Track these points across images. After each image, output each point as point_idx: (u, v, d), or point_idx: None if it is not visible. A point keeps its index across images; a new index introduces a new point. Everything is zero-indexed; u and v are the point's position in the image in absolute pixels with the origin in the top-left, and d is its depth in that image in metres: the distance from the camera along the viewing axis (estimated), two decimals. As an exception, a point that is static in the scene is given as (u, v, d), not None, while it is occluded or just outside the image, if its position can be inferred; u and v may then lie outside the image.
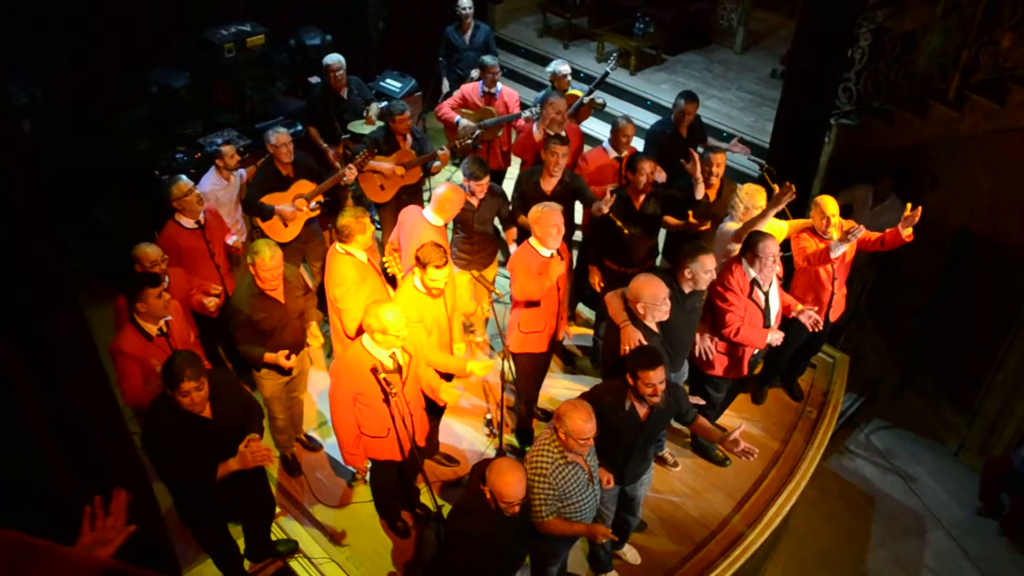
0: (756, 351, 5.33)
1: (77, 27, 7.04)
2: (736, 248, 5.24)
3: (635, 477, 4.61)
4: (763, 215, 5.27)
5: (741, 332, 5.02)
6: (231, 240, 5.94)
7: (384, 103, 7.03)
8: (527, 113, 6.88)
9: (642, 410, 4.21)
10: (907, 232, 5.26)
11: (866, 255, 7.26)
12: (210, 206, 5.91)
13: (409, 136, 6.63)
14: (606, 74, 7.35)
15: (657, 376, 4.02)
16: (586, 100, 7.28)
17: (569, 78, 7.30)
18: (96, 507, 2.52)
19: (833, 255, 5.28)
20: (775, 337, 5.11)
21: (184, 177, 5.57)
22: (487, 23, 9.10)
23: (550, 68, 7.35)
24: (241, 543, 4.96)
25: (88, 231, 7.12)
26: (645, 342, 4.45)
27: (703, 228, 5.73)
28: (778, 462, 5.75)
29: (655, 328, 4.61)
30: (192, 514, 4.49)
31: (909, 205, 5.23)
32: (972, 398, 7.32)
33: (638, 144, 6.74)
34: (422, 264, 4.70)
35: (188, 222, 5.52)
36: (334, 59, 7.06)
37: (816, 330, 5.23)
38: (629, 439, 4.30)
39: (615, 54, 7.95)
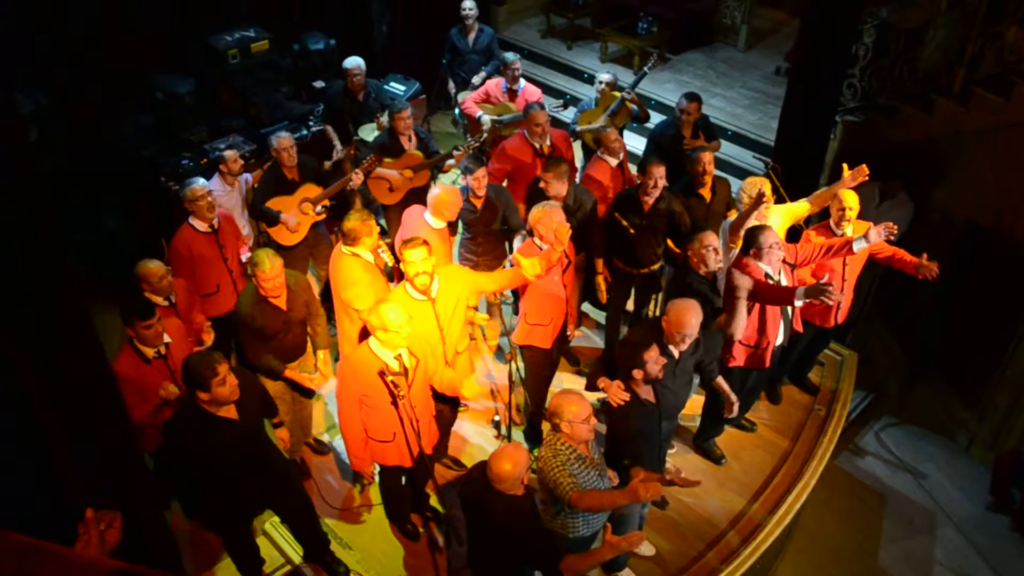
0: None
1: (81, 34, 7.07)
2: (736, 245, 5.24)
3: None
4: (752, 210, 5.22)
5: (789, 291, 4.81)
6: (244, 257, 5.91)
7: None
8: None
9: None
10: (921, 273, 5.17)
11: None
12: (226, 211, 5.93)
13: (413, 137, 6.64)
14: (644, 74, 7.24)
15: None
16: (627, 98, 7.04)
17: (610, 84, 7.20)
18: (89, 523, 2.40)
19: (855, 248, 4.95)
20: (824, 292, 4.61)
21: (201, 180, 5.59)
22: (490, 26, 9.11)
23: (603, 77, 7.17)
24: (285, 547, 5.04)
25: (95, 238, 7.15)
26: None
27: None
28: (788, 460, 5.73)
29: (676, 355, 4.52)
30: (215, 517, 4.49)
31: (925, 256, 5.14)
32: (982, 393, 7.30)
33: (639, 142, 6.71)
34: (401, 257, 4.59)
35: (201, 226, 5.54)
36: (352, 63, 7.13)
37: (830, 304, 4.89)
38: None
39: (655, 55, 7.68)
